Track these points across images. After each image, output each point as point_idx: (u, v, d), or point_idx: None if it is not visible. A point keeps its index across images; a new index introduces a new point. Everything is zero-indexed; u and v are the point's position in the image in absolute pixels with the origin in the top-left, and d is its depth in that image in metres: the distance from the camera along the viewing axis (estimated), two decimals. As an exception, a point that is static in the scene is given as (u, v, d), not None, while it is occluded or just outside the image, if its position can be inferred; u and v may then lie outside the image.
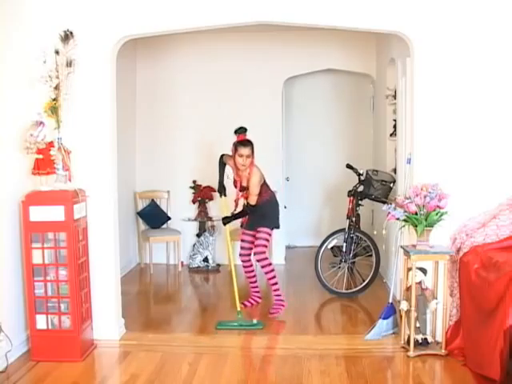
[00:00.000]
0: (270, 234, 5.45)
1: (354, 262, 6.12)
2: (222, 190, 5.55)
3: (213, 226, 7.25)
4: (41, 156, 4.20)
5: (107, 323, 4.62)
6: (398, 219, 4.32)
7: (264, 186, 5.46)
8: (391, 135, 6.52)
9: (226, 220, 5.43)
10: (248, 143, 5.31)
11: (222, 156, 5.60)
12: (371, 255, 5.98)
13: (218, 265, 7.26)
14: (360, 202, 6.16)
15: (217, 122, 7.34)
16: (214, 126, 7.34)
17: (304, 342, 4.62)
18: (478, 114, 4.41)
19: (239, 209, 5.54)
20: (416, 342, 4.27)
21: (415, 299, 4.23)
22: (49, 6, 4.44)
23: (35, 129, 4.19)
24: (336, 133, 8.31)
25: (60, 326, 4.23)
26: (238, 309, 5.12)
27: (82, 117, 4.48)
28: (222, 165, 5.59)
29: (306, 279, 6.55)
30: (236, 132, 5.37)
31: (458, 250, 4.33)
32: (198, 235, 7.33)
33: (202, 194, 7.28)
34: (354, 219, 6.07)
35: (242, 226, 5.74)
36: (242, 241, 5.59)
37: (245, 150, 5.26)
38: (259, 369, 4.09)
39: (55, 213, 4.13)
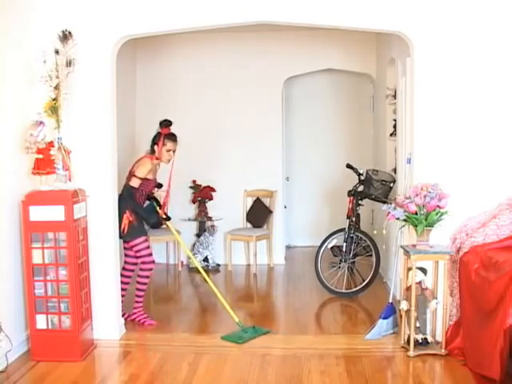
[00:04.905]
0: None
1: (353, 262, 6.12)
2: (167, 218, 5.24)
3: (213, 226, 7.26)
4: (41, 156, 4.20)
5: (107, 323, 4.63)
6: (398, 219, 4.32)
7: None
8: (391, 135, 6.52)
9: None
10: (175, 137, 5.02)
11: (131, 187, 4.94)
12: (371, 255, 5.98)
13: (218, 264, 7.27)
14: (360, 201, 6.16)
15: (217, 122, 7.37)
16: (214, 126, 7.37)
17: (304, 341, 4.62)
18: (478, 114, 4.41)
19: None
20: (416, 342, 4.27)
21: (415, 299, 4.22)
22: (49, 6, 4.44)
23: (35, 129, 4.19)
24: (336, 132, 8.31)
25: (60, 326, 4.23)
26: (237, 320, 4.85)
27: (81, 117, 4.48)
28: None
29: (306, 279, 6.56)
30: (161, 124, 4.99)
31: (458, 250, 4.33)
32: (198, 235, 7.34)
33: (201, 194, 7.29)
34: (353, 219, 6.07)
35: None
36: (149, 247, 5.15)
37: (174, 145, 4.99)
38: (259, 369, 4.09)
39: (55, 213, 4.13)
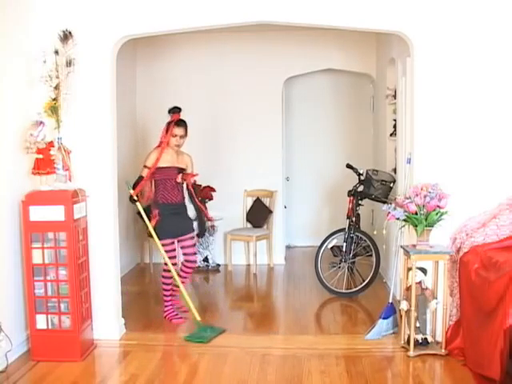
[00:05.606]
0: None
1: (354, 262, 6.11)
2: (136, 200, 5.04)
3: (213, 226, 7.25)
4: (41, 156, 4.20)
5: (107, 323, 4.63)
6: (398, 219, 4.32)
7: None
8: (391, 135, 6.52)
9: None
10: (183, 123, 5.11)
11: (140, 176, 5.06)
12: (371, 255, 5.98)
13: (218, 264, 7.26)
14: (360, 201, 6.16)
15: (217, 122, 7.36)
16: (214, 126, 7.36)
17: (304, 342, 4.62)
18: (478, 114, 4.41)
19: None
20: (416, 342, 4.27)
21: (415, 299, 4.23)
22: (49, 6, 4.44)
23: (35, 129, 4.20)
24: (336, 133, 8.31)
25: (60, 326, 4.23)
26: (198, 318, 4.85)
27: (81, 117, 4.49)
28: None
29: (306, 279, 6.56)
30: (170, 111, 5.13)
31: (458, 250, 4.33)
32: (198, 235, 7.33)
33: (201, 194, 7.27)
34: (353, 219, 6.07)
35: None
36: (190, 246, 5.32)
37: (181, 130, 5.07)
38: (259, 369, 4.09)
39: (55, 213, 4.13)
